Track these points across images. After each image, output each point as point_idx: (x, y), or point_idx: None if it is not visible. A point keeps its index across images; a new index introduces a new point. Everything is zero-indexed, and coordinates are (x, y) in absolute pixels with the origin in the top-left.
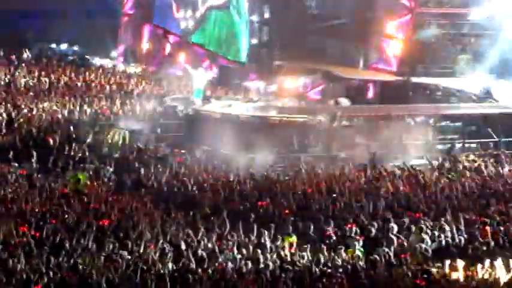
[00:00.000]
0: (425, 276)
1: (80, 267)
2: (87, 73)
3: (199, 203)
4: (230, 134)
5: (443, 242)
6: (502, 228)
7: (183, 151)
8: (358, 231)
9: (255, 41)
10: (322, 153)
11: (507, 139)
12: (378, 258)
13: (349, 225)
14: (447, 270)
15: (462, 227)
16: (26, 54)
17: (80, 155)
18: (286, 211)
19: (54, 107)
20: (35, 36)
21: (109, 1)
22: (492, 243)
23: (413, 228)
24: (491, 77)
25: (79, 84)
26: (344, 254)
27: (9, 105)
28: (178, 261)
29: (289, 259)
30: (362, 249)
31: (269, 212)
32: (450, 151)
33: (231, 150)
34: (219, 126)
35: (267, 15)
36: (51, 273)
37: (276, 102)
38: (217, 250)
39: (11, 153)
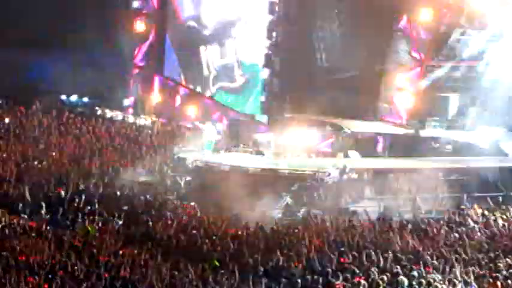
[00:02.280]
0: None
1: None
2: (97, 125)
3: (208, 256)
4: (239, 187)
5: None
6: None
7: (192, 203)
8: (367, 285)
9: (265, 93)
10: (332, 206)
11: None
12: None
13: (357, 279)
14: None
15: (472, 281)
16: (36, 105)
17: (89, 207)
18: (295, 264)
19: (64, 159)
20: (47, 87)
21: (120, 53)
22: None
23: (422, 282)
24: (501, 130)
25: (89, 136)
26: None
27: (18, 156)
28: None
29: None
30: None
31: (278, 265)
32: (459, 205)
33: (241, 203)
34: (229, 178)
35: (277, 68)
36: None
37: (286, 155)
38: None
39: (20, 205)
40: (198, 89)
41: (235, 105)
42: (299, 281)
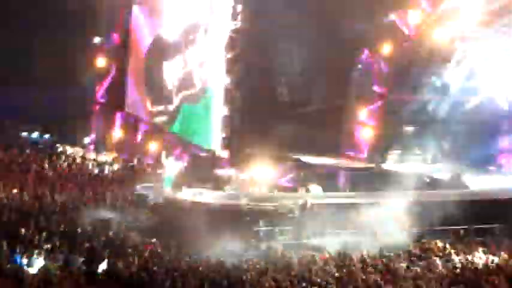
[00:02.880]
0: None
1: None
2: (58, 161)
3: None
4: (201, 223)
5: None
6: None
7: (153, 240)
8: None
9: (226, 129)
10: (293, 241)
11: (478, 226)
12: None
13: None
14: None
15: None
16: None
17: (50, 244)
18: None
19: (25, 196)
20: (8, 123)
21: (81, 89)
22: None
23: None
24: (462, 163)
25: (49, 173)
26: None
27: None
28: None
29: None
30: None
31: None
32: (421, 238)
33: (202, 238)
34: (190, 214)
35: (238, 103)
36: None
37: (247, 190)
38: None
39: None
40: (161, 108)
41: (193, 117)
42: None
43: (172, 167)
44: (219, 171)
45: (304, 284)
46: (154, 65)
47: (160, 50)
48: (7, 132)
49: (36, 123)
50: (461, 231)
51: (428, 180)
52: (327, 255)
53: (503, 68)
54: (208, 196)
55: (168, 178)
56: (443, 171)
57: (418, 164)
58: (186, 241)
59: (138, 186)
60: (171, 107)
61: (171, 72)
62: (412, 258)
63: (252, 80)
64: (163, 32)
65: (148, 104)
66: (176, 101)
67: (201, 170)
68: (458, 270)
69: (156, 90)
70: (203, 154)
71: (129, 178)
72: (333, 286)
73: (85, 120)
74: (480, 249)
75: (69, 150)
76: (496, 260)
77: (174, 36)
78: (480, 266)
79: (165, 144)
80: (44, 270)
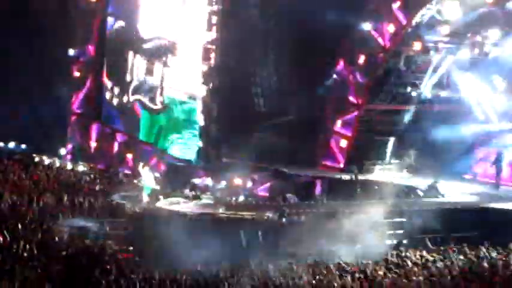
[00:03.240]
0: None
1: None
2: (35, 172)
3: None
4: (178, 232)
5: None
6: None
7: (130, 248)
8: None
9: (202, 139)
10: (270, 249)
11: (455, 234)
12: None
13: None
14: None
15: None
16: None
17: (27, 253)
18: None
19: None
20: None
21: (57, 100)
22: None
23: None
24: (438, 172)
25: (26, 182)
26: None
27: None
28: None
29: None
30: None
31: None
32: (398, 246)
33: (179, 247)
34: (167, 223)
35: (214, 113)
36: None
37: (224, 200)
38: None
39: None
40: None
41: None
42: None
43: (149, 176)
44: (196, 181)
45: None
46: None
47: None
48: None
49: (12, 133)
50: (439, 239)
51: (405, 189)
52: (304, 263)
53: (477, 78)
54: (185, 205)
55: (145, 187)
56: (420, 180)
57: (395, 173)
58: (163, 250)
59: (115, 196)
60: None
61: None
62: (390, 266)
63: (228, 90)
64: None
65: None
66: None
67: (178, 179)
68: (435, 278)
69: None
70: (180, 164)
71: (106, 188)
72: None
73: (62, 131)
74: (457, 256)
75: (46, 160)
76: (474, 267)
77: (148, 45)
78: (457, 274)
79: (141, 154)
80: (21, 278)
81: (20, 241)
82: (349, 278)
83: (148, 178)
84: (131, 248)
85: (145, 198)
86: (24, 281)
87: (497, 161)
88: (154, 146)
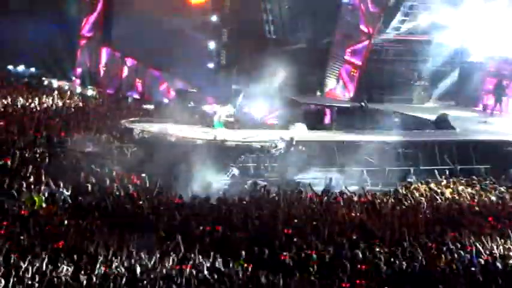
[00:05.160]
0: None
1: None
2: (43, 95)
3: (154, 226)
4: (186, 158)
5: (399, 269)
6: (456, 256)
7: (143, 174)
8: (313, 257)
9: (212, 64)
10: (278, 178)
11: (463, 166)
12: None
13: (304, 251)
14: None
15: (418, 254)
16: None
17: (35, 177)
18: (241, 235)
19: (11, 128)
20: None
21: (67, 23)
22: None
23: (369, 254)
24: (449, 104)
25: (34, 105)
26: None
27: None
28: (133, 285)
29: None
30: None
31: (224, 236)
32: (406, 178)
33: (187, 173)
34: (176, 149)
35: (224, 39)
36: None
37: (233, 126)
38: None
39: None
40: None
41: None
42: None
43: (221, 110)
44: (205, 107)
45: (288, 220)
46: None
47: None
48: None
49: (21, 56)
50: (447, 171)
51: (414, 120)
52: (311, 193)
53: None
54: (193, 132)
55: (217, 122)
56: (429, 111)
57: (404, 104)
58: (172, 176)
59: (123, 121)
60: None
61: None
62: (398, 197)
63: (239, 16)
64: None
65: None
66: None
67: (188, 104)
68: (442, 210)
69: None
70: (189, 89)
71: (115, 112)
72: (317, 223)
73: (71, 55)
74: (465, 189)
75: (55, 84)
76: (481, 200)
77: None
78: (465, 206)
79: (151, 79)
80: (29, 202)
81: (28, 165)
82: (357, 207)
83: (220, 112)
84: (143, 174)
85: (219, 130)
86: (31, 205)
87: (497, 89)
88: (164, 71)
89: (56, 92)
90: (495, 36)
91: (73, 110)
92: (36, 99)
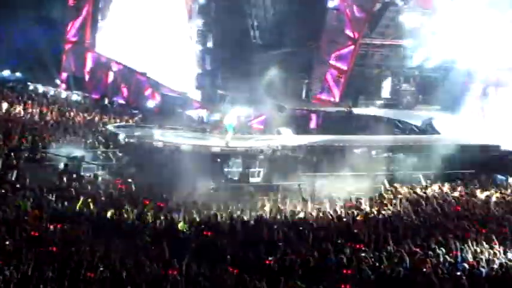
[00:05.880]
0: None
1: None
2: (29, 100)
3: (140, 232)
4: (172, 163)
5: (384, 273)
6: (442, 260)
7: (127, 179)
8: (298, 261)
9: (198, 69)
10: (264, 182)
11: (448, 171)
12: None
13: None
14: None
15: (404, 258)
16: None
17: (20, 182)
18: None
19: None
20: None
21: (53, 28)
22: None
23: (353, 259)
24: (434, 109)
25: (18, 109)
26: None
27: None
28: None
29: None
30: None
31: (211, 241)
32: (391, 182)
33: (174, 179)
34: (162, 155)
35: (210, 44)
36: None
37: (219, 132)
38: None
39: None
40: None
41: None
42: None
43: (233, 114)
44: (191, 112)
45: (274, 226)
46: None
47: None
48: None
49: (7, 61)
50: (431, 176)
51: (400, 124)
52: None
53: None
54: (179, 137)
55: (229, 125)
56: (415, 116)
57: (390, 109)
58: (158, 181)
59: (109, 126)
60: None
61: None
62: (384, 202)
63: (225, 21)
64: None
65: None
66: None
67: (173, 110)
68: (427, 214)
69: None
70: (175, 94)
71: (100, 117)
72: (303, 228)
73: (57, 60)
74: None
75: (41, 88)
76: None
77: None
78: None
79: (137, 84)
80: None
81: (13, 170)
82: (342, 211)
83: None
84: (127, 178)
85: (229, 134)
86: (16, 209)
87: (482, 96)
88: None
89: (41, 97)
90: (481, 43)
91: (59, 114)
92: (22, 104)
